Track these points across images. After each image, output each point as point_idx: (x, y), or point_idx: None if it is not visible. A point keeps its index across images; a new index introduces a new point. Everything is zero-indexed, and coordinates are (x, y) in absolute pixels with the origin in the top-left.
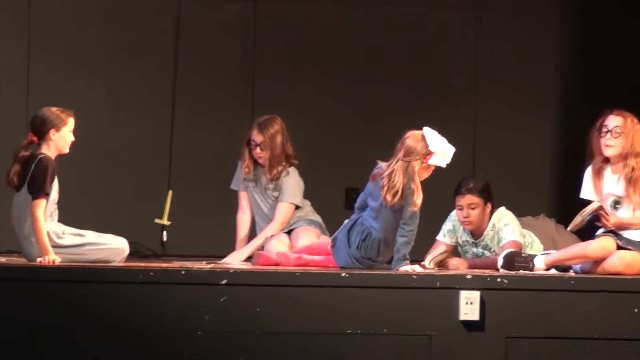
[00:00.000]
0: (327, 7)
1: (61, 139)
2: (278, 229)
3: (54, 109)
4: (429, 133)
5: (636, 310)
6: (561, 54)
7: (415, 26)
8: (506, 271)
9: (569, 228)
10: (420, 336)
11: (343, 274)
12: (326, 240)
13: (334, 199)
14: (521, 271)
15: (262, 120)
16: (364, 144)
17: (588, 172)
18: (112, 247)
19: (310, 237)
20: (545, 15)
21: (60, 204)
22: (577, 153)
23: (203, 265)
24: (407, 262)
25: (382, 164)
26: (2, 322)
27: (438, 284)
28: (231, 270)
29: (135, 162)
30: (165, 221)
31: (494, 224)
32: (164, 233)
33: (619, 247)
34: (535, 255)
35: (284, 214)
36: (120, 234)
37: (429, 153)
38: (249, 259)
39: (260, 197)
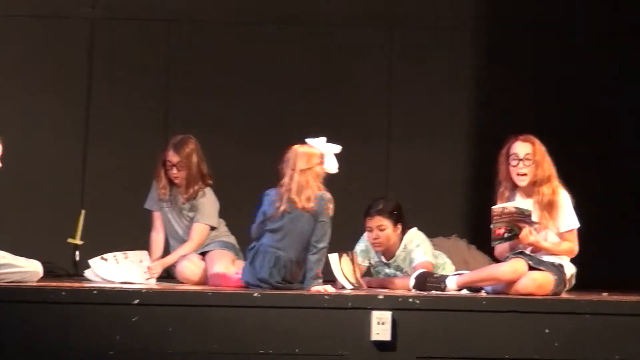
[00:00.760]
0: (241, 28)
1: None
2: (192, 249)
3: None
4: (313, 141)
5: (547, 330)
6: (474, 75)
7: (328, 46)
8: (418, 291)
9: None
10: (333, 356)
11: (255, 294)
12: None
13: (249, 217)
14: (433, 291)
15: (177, 140)
16: (279, 164)
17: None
18: (26, 270)
19: (225, 262)
20: (458, 35)
21: None
22: (489, 174)
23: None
24: (320, 281)
25: (269, 192)
26: None
27: (350, 304)
28: (143, 290)
29: (48, 182)
30: (77, 241)
31: (405, 245)
32: (77, 253)
33: (531, 267)
34: (447, 276)
35: (199, 234)
36: (32, 254)
37: (322, 158)
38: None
39: (174, 218)
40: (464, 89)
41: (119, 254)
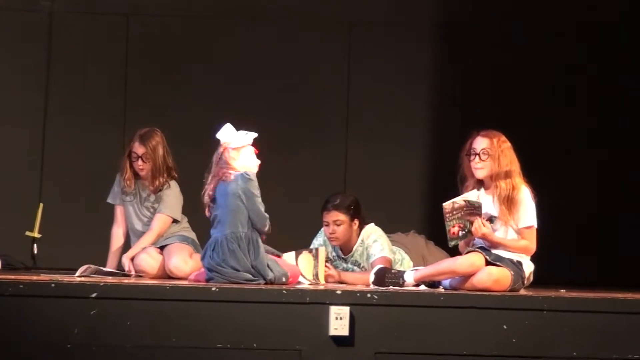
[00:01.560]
0: (200, 21)
1: None
2: (152, 240)
3: None
4: (224, 127)
5: (505, 326)
6: (432, 71)
7: (287, 42)
8: (376, 287)
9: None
10: (290, 351)
11: (213, 289)
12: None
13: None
14: (391, 287)
15: (143, 132)
16: None
17: None
18: None
19: (183, 255)
20: (417, 32)
21: None
22: (447, 171)
23: (74, 277)
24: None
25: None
26: None
27: (308, 299)
28: (101, 284)
29: (6, 175)
30: (36, 234)
31: (362, 240)
32: (35, 246)
33: (488, 263)
34: (405, 271)
35: (160, 225)
36: None
37: (225, 142)
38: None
39: (136, 212)
40: (422, 85)
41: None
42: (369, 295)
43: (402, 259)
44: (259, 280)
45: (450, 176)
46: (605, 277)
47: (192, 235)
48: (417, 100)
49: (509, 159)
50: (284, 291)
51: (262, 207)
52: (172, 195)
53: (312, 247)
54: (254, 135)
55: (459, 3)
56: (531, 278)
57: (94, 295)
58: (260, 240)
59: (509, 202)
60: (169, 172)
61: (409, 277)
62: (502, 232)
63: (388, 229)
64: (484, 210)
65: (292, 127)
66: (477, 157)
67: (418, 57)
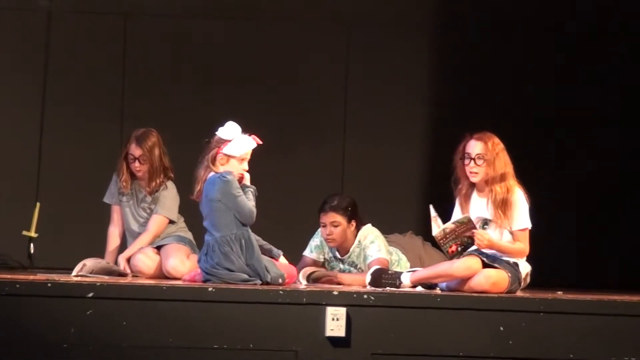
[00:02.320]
0: (198, 22)
1: None
2: (149, 241)
3: None
4: (228, 124)
5: (501, 328)
6: (429, 72)
7: (285, 41)
8: (373, 288)
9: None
10: (287, 352)
11: (210, 289)
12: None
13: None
14: (388, 288)
15: (139, 133)
16: None
17: (457, 201)
18: None
19: (180, 256)
20: (415, 33)
21: None
22: (444, 171)
23: (70, 277)
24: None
25: None
26: None
27: (304, 299)
28: (98, 284)
29: (2, 174)
30: (32, 233)
31: (359, 241)
32: (32, 245)
33: (485, 265)
34: (401, 273)
35: (156, 226)
36: None
37: (224, 141)
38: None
39: (132, 213)
40: (420, 86)
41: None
42: (365, 296)
43: (399, 259)
44: (256, 280)
45: (447, 178)
46: (602, 279)
47: (189, 235)
48: (414, 102)
49: (503, 162)
50: (280, 292)
51: (245, 204)
52: (169, 196)
53: (308, 248)
54: (252, 146)
55: (457, 4)
56: (528, 279)
57: (90, 295)
58: (253, 239)
59: (503, 205)
60: (166, 173)
61: (406, 279)
62: (496, 235)
63: (385, 230)
64: (477, 214)
65: (289, 127)
66: (473, 161)
67: (416, 59)
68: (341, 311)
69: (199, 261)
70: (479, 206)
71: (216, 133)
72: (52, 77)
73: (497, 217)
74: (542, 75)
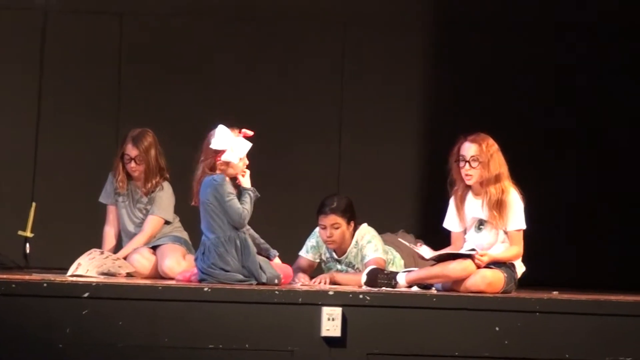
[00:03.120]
0: (194, 20)
1: None
2: (144, 241)
3: None
4: (219, 131)
5: (497, 328)
6: (425, 71)
7: (280, 41)
8: (369, 288)
9: (429, 257)
10: (283, 352)
11: (205, 289)
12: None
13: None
14: (383, 288)
15: (135, 133)
16: None
17: (452, 202)
18: None
19: (176, 256)
20: (410, 34)
21: None
22: (439, 171)
23: (66, 277)
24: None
25: None
26: None
27: (300, 299)
28: (93, 284)
29: None
30: (28, 233)
31: (357, 241)
32: (27, 245)
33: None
34: (397, 273)
35: (152, 226)
36: None
37: (220, 151)
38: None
39: (128, 213)
40: (415, 85)
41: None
42: (361, 296)
43: (393, 258)
44: (251, 280)
45: (442, 177)
46: (598, 278)
47: (185, 235)
48: (410, 101)
49: (498, 163)
50: (276, 292)
51: (234, 208)
52: (165, 197)
53: (304, 248)
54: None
55: (452, 4)
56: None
57: (86, 295)
58: (249, 241)
59: (498, 206)
60: (162, 174)
61: (402, 279)
62: (492, 235)
63: (380, 230)
64: (473, 215)
65: (285, 127)
66: (467, 164)
67: (412, 58)
68: (337, 311)
69: (196, 259)
70: (474, 207)
71: (210, 145)
72: (48, 77)
73: (492, 217)
74: (539, 75)
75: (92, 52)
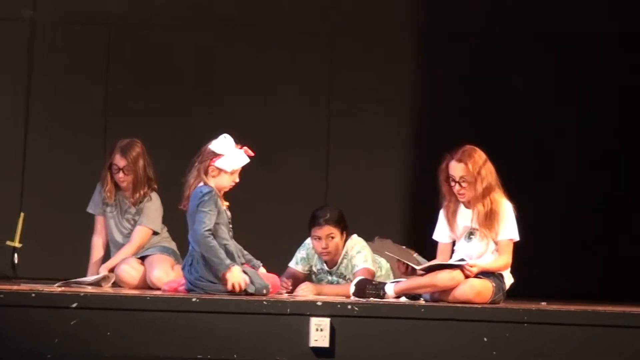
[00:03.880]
0: (181, 31)
1: None
2: (132, 252)
3: None
4: (223, 138)
5: (485, 339)
6: (413, 82)
7: (269, 51)
8: (357, 298)
9: (419, 267)
10: None
11: (194, 299)
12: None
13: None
14: (372, 299)
15: (123, 144)
16: None
17: (442, 214)
18: None
19: (164, 266)
20: (398, 43)
21: None
22: (428, 180)
23: (54, 287)
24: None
25: None
26: None
27: (288, 310)
28: (82, 294)
29: None
30: (17, 244)
31: (347, 252)
32: (15, 255)
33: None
34: (385, 283)
35: (140, 237)
36: None
37: (217, 155)
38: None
39: (116, 223)
40: (403, 95)
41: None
42: (349, 306)
43: (380, 267)
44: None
45: (430, 187)
46: (587, 289)
47: (173, 245)
48: (398, 111)
49: (486, 177)
50: (264, 302)
51: (204, 221)
52: (153, 208)
53: (294, 259)
54: (245, 162)
55: (440, 14)
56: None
57: (74, 305)
58: (234, 252)
59: (489, 217)
60: (150, 184)
61: (390, 289)
62: (482, 245)
63: (369, 240)
64: (464, 224)
65: (273, 137)
66: (457, 184)
67: (399, 68)
68: (325, 322)
69: (183, 268)
70: (467, 216)
71: (210, 146)
72: (36, 87)
73: (482, 227)
74: (526, 83)
75: (80, 63)
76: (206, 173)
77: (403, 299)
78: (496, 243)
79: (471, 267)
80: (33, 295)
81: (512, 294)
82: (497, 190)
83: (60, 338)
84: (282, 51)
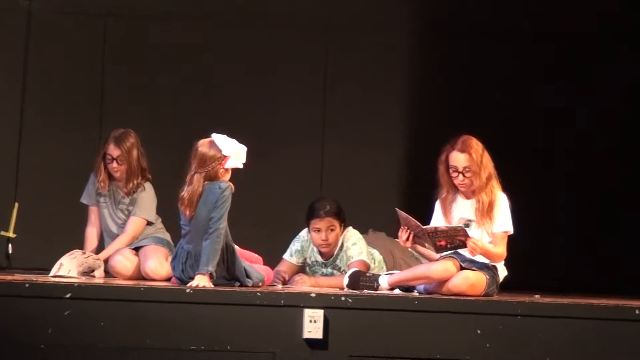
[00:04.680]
0: (177, 24)
1: None
2: (127, 242)
3: None
4: (219, 138)
5: (479, 331)
6: (409, 75)
7: (264, 45)
8: (351, 290)
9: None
10: (264, 353)
11: (188, 290)
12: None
13: None
14: (366, 290)
15: (117, 134)
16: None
17: (438, 205)
18: None
19: (159, 257)
20: (394, 38)
21: None
22: (423, 173)
23: (48, 278)
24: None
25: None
26: None
27: (282, 301)
28: (75, 284)
29: None
30: (11, 234)
31: (342, 243)
32: (10, 246)
33: (462, 268)
34: (379, 275)
35: (134, 227)
36: None
37: (224, 157)
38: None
39: (110, 214)
40: (399, 89)
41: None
42: (343, 298)
43: (373, 259)
44: (234, 282)
45: (425, 180)
46: (580, 282)
47: (167, 236)
48: (393, 105)
49: (487, 166)
50: (258, 294)
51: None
52: (147, 198)
53: (288, 251)
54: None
55: (437, 8)
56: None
57: (68, 295)
58: (234, 247)
59: (490, 207)
60: (143, 174)
61: (384, 281)
62: (477, 234)
63: (362, 232)
64: (461, 215)
65: (269, 130)
66: (461, 174)
67: (395, 62)
68: (319, 313)
69: (173, 269)
70: (463, 208)
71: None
72: (32, 78)
73: (480, 218)
74: (524, 78)
75: (76, 54)
76: (212, 179)
77: (397, 291)
78: (490, 236)
79: (475, 242)
80: (27, 285)
81: (505, 286)
82: (495, 180)
83: (54, 328)
84: (277, 45)
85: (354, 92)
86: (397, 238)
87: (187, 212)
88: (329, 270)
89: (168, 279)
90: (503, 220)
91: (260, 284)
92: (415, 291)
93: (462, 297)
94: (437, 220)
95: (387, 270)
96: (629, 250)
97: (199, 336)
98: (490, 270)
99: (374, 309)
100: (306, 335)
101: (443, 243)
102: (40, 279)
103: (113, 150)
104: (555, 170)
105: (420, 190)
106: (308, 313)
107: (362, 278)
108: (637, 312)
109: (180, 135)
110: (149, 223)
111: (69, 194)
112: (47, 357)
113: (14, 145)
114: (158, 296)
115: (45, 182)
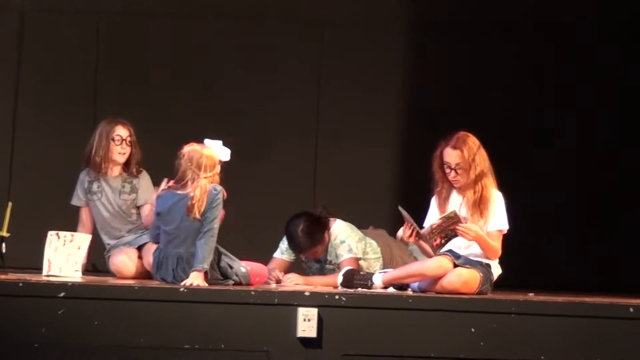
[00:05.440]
0: (171, 21)
1: None
2: None
3: None
4: (212, 143)
5: (473, 329)
6: (404, 74)
7: (259, 41)
8: (345, 289)
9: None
10: (258, 352)
11: (181, 289)
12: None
13: None
14: (359, 289)
15: (121, 120)
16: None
17: (434, 201)
18: None
19: None
20: (388, 35)
21: None
22: (417, 172)
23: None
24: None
25: (162, 193)
26: None
27: (276, 300)
28: (69, 283)
29: None
30: (4, 233)
31: (330, 240)
32: (3, 245)
33: (457, 266)
34: (373, 274)
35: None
36: None
37: (221, 162)
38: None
39: (105, 204)
40: (393, 88)
41: (68, 235)
42: (337, 297)
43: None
44: (228, 281)
45: (419, 179)
46: (574, 280)
47: None
48: (388, 103)
49: (480, 163)
50: (252, 292)
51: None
52: (149, 184)
53: (279, 250)
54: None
55: (432, 5)
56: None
57: (61, 294)
58: (219, 248)
59: (478, 203)
60: (139, 161)
61: (378, 280)
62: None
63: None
64: (454, 209)
65: (262, 129)
66: (453, 171)
67: (389, 59)
68: (313, 312)
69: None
70: (457, 204)
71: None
72: (25, 76)
73: (473, 213)
74: (518, 75)
75: (70, 52)
76: (214, 181)
77: (391, 289)
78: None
79: (465, 226)
80: (21, 284)
81: (499, 284)
82: (489, 176)
83: (48, 327)
84: (271, 42)
85: (348, 90)
86: (395, 236)
87: (196, 216)
88: (322, 264)
89: None
90: (498, 218)
91: (244, 281)
92: (409, 289)
93: (456, 296)
94: (433, 214)
95: (384, 260)
96: (629, 250)
97: (193, 335)
98: (484, 268)
99: (368, 308)
100: (300, 333)
101: (438, 241)
102: (34, 278)
103: (122, 131)
104: (555, 169)
105: (414, 189)
106: (302, 312)
107: (356, 276)
108: (631, 310)
109: (175, 133)
110: None
111: (62, 193)
112: (41, 357)
113: (7, 144)
114: (152, 295)
115: (39, 181)
